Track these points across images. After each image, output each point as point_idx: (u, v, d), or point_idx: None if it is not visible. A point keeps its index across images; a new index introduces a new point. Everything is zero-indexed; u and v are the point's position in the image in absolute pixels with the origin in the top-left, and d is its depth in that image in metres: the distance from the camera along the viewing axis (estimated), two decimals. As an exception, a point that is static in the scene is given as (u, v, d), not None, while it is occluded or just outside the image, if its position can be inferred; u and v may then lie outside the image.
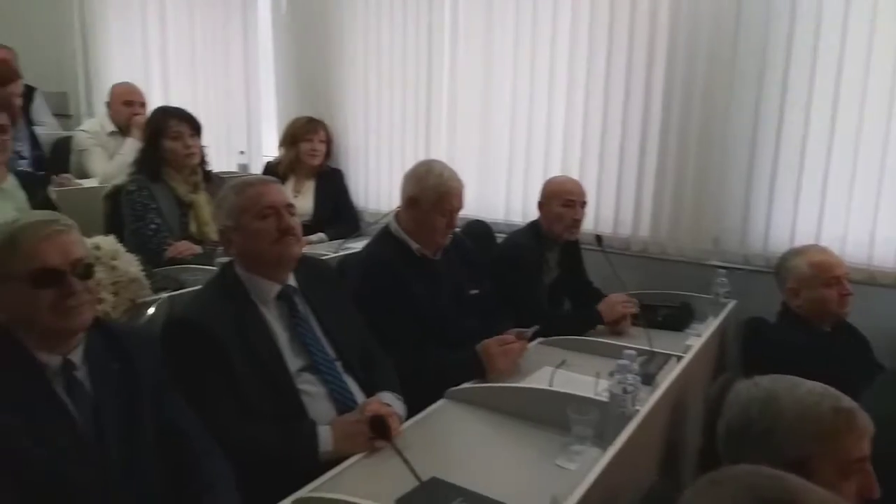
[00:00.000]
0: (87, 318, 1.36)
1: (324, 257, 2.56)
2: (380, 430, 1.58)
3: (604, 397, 1.62)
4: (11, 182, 2.30)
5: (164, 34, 4.28)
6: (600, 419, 1.54)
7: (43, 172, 3.16)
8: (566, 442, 1.59)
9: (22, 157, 3.38)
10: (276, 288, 1.78)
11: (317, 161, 3.46)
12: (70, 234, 1.36)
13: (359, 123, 3.60)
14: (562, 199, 2.63)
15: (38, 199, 2.34)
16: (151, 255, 2.44)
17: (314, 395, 1.74)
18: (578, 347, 2.21)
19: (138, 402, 1.43)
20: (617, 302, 2.48)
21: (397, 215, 2.31)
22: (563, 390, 1.73)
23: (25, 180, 2.37)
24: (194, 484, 1.42)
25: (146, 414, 1.43)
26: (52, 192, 2.65)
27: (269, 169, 3.49)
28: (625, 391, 1.55)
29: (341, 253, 2.82)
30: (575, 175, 2.89)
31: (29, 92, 3.81)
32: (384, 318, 2.06)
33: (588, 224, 2.84)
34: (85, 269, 1.36)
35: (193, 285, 2.11)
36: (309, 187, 3.44)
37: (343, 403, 1.76)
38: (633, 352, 1.66)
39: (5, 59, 3.78)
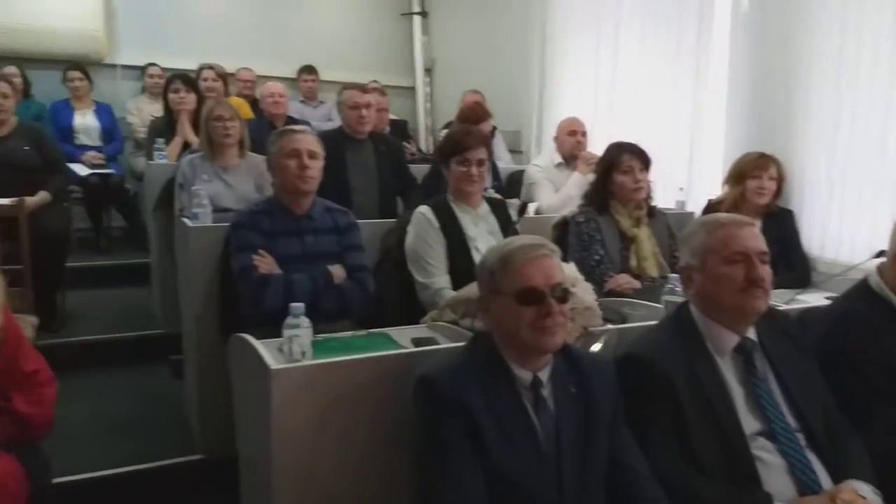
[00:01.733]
0: (559, 339, 1.43)
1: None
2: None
3: None
4: (484, 208, 2.59)
5: (615, 72, 4.46)
6: None
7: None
8: None
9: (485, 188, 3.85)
10: (734, 339, 1.65)
11: (764, 200, 3.17)
12: (552, 258, 1.44)
13: (820, 159, 3.18)
14: None
15: (504, 223, 2.59)
16: (593, 286, 2.50)
17: (770, 465, 1.56)
18: None
19: (594, 428, 1.46)
20: None
21: (880, 269, 1.94)
22: None
23: (494, 207, 2.65)
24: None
25: (600, 440, 1.46)
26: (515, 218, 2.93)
27: (711, 207, 3.33)
28: None
29: (794, 306, 2.50)
30: None
31: (491, 130, 4.36)
32: (855, 384, 1.75)
33: None
34: (563, 293, 1.43)
35: (636, 320, 2.09)
36: (752, 229, 3.18)
37: (804, 483, 1.55)
38: None
39: (478, 101, 4.40)
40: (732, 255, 1.60)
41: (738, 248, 1.60)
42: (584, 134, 3.83)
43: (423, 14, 6.87)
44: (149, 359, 3.46)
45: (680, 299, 1.83)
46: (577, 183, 3.61)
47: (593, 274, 2.64)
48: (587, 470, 1.42)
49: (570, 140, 3.79)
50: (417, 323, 2.23)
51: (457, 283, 2.36)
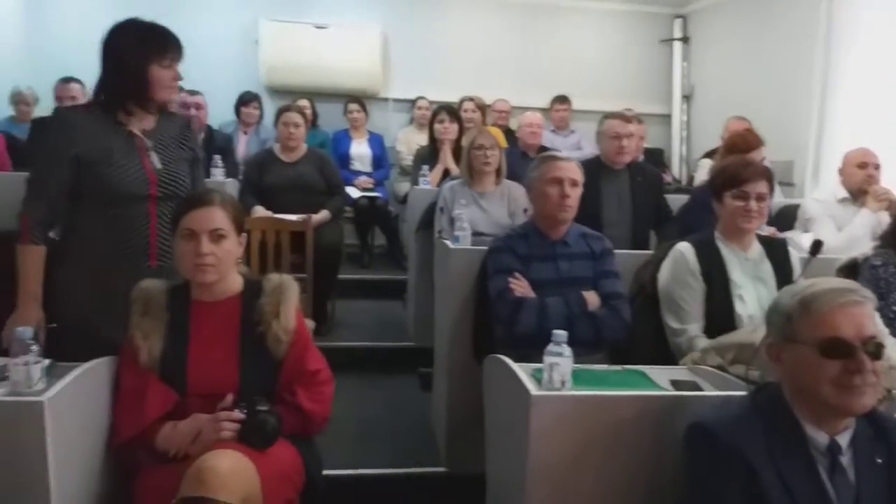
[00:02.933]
0: (869, 401, 1.22)
1: None
2: None
3: None
4: (756, 251, 2.36)
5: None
6: None
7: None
8: None
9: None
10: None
11: None
12: (865, 306, 1.24)
13: None
14: None
15: (780, 268, 2.33)
16: None
17: None
18: None
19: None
20: None
21: None
22: None
23: (771, 248, 2.39)
24: None
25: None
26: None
27: None
28: None
29: None
30: None
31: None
32: None
33: None
34: (875, 348, 1.22)
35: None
36: None
37: None
38: None
39: (748, 128, 4.04)
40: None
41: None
42: (876, 167, 3.35)
43: (685, 40, 6.59)
44: (399, 369, 3.65)
45: None
46: (865, 222, 3.17)
47: (894, 326, 2.27)
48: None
49: (860, 173, 3.33)
50: (672, 363, 2.09)
51: (711, 333, 2.18)
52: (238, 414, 1.69)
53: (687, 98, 6.60)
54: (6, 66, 5.30)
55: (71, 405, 1.55)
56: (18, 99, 4.79)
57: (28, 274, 1.97)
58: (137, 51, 2.04)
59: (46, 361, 1.56)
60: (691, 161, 6.31)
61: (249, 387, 1.79)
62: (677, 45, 6.61)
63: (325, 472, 2.29)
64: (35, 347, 1.52)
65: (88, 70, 4.61)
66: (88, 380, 1.66)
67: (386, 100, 6.32)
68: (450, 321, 2.70)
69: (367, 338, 4.03)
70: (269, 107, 5.46)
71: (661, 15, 6.67)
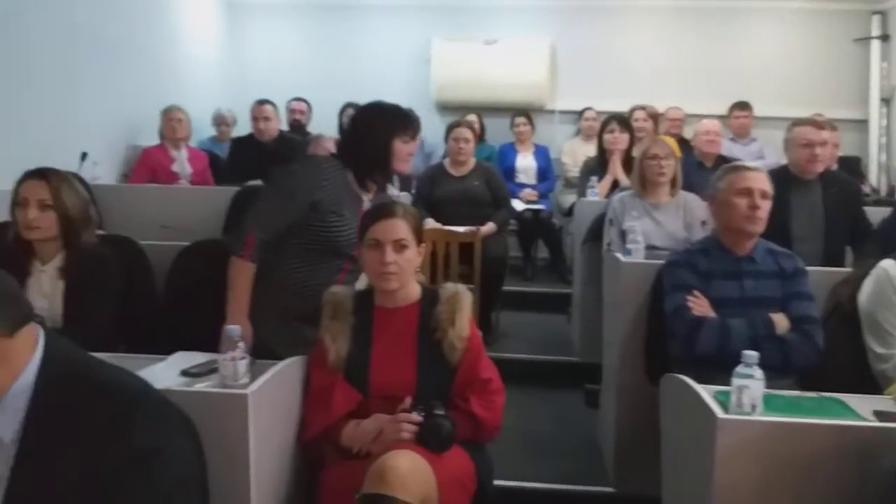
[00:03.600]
0: None
1: None
2: None
3: None
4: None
5: None
6: None
7: None
8: None
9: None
10: None
11: None
12: None
13: None
14: None
15: None
16: None
17: None
18: None
19: None
20: None
21: None
22: None
23: None
24: None
25: None
26: None
27: None
28: None
29: None
30: None
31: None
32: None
33: None
34: None
35: None
36: None
37: None
38: None
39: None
40: None
41: None
42: None
43: (884, 38, 5.97)
44: (564, 384, 3.60)
45: None
46: None
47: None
48: None
49: None
50: (875, 392, 1.89)
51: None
52: (416, 416, 1.76)
53: (886, 101, 5.95)
54: (211, 91, 5.94)
55: (269, 400, 1.69)
56: (220, 120, 5.33)
57: (240, 289, 2.16)
58: (384, 126, 2.25)
59: (250, 358, 1.71)
60: (892, 170, 5.70)
61: (426, 391, 1.85)
62: (875, 44, 6.00)
63: (495, 481, 2.33)
64: (242, 345, 1.68)
65: (278, 93, 5.07)
66: (284, 377, 1.80)
67: (552, 112, 6.31)
68: (619, 337, 2.62)
69: (530, 350, 4.02)
70: (439, 123, 5.65)
71: (855, 12, 6.10)
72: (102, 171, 4.09)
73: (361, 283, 2.23)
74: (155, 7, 5.27)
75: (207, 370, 1.82)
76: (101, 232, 2.45)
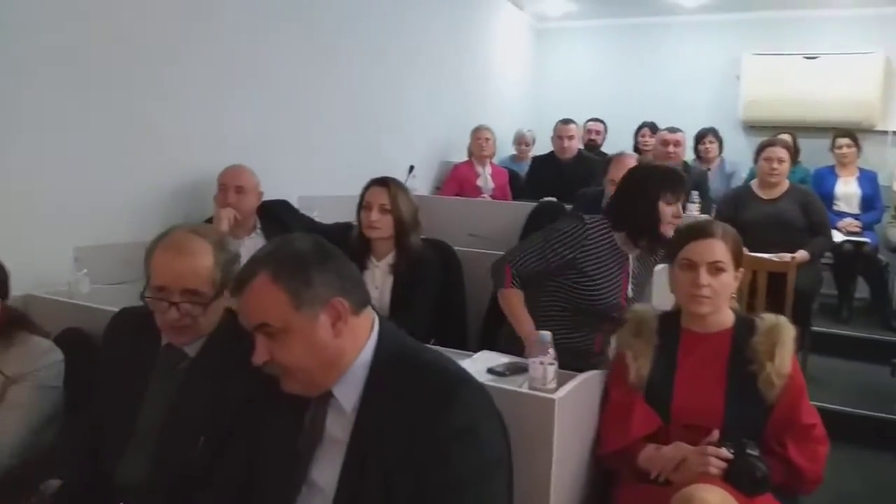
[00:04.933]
0: None
1: None
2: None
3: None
4: None
5: None
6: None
7: None
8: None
9: None
10: None
11: None
12: None
13: None
14: None
15: None
16: None
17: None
18: None
19: None
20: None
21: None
22: None
23: None
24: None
25: None
26: None
27: None
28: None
29: None
30: None
31: None
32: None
33: None
34: None
35: None
36: None
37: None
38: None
39: None
40: None
41: None
42: None
43: None
44: (882, 444, 3.18)
45: None
46: None
47: None
48: None
49: None
50: None
51: None
52: (726, 452, 1.65)
53: None
54: (513, 112, 6.28)
55: (572, 408, 1.72)
56: (520, 140, 5.59)
57: (517, 309, 2.29)
58: (654, 185, 2.26)
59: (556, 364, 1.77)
60: None
61: (734, 426, 1.73)
62: None
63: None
64: (551, 351, 1.74)
65: (574, 113, 5.18)
66: (586, 388, 1.82)
67: (884, 133, 5.51)
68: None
69: (842, 402, 3.57)
70: (745, 143, 5.29)
71: None
72: (419, 184, 4.56)
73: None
74: (474, 36, 5.75)
75: (513, 371, 1.93)
76: (422, 236, 2.73)
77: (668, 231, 2.23)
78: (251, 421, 1.46)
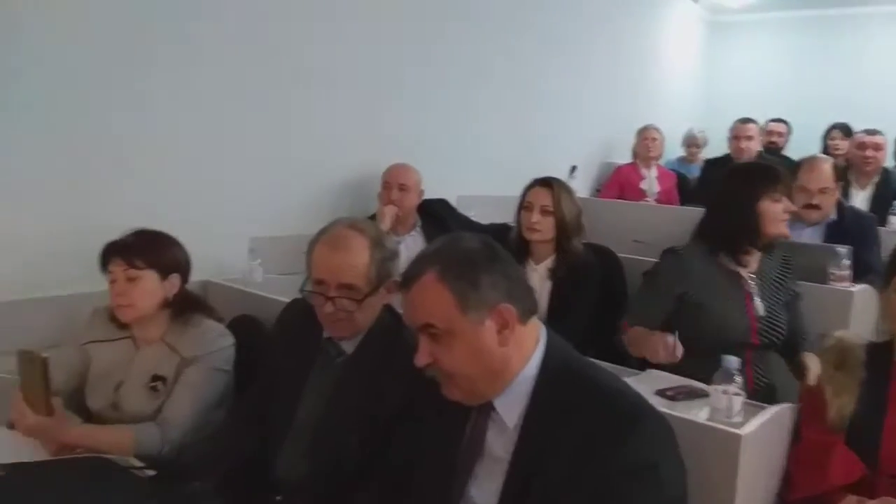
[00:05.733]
0: None
1: None
2: None
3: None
4: None
5: None
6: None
7: None
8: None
9: None
10: None
11: None
12: None
13: None
14: None
15: None
16: None
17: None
18: None
19: None
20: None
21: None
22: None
23: None
24: None
25: None
26: None
27: None
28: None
29: None
30: None
31: None
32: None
33: None
34: None
35: None
36: None
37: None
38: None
39: None
40: None
41: None
42: None
43: None
44: None
45: None
46: None
47: None
48: None
49: None
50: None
51: None
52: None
53: None
54: (682, 110, 5.92)
55: (760, 445, 1.52)
56: (690, 142, 5.24)
57: (645, 334, 2.07)
58: (746, 188, 2.06)
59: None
60: None
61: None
62: None
63: None
64: (739, 379, 1.54)
65: (753, 113, 4.76)
66: (776, 423, 1.61)
67: None
68: None
69: None
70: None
71: None
72: (578, 185, 4.39)
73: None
74: (643, 29, 5.48)
75: (686, 395, 1.75)
76: (584, 241, 2.59)
77: (782, 229, 2.06)
78: (409, 424, 1.41)
